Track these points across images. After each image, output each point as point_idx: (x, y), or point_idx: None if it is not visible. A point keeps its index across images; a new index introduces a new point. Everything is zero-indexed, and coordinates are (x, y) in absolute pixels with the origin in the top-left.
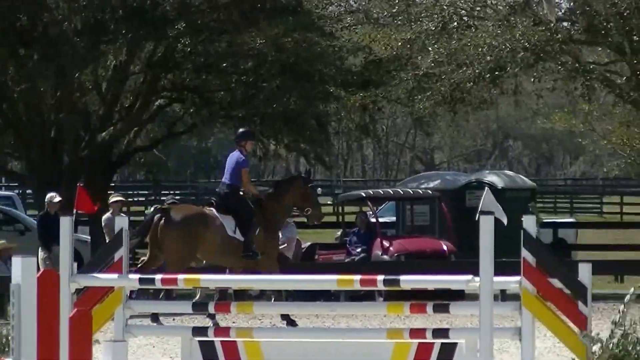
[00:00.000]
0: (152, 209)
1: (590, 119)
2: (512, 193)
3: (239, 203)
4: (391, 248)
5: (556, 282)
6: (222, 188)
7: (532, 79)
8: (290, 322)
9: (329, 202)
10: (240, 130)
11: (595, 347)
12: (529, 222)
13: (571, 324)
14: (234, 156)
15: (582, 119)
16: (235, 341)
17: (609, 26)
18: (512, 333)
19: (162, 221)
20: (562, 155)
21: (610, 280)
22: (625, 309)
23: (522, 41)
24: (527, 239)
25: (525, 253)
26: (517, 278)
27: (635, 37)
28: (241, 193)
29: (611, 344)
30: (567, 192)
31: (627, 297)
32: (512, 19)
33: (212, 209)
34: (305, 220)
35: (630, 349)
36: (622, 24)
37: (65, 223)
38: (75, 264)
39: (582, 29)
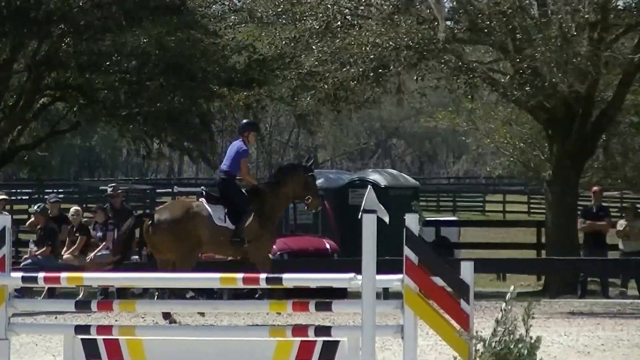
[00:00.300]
0: (35, 207)
1: (473, 117)
2: (395, 191)
3: (233, 191)
4: (274, 246)
5: (438, 281)
6: (219, 174)
7: (416, 78)
8: (170, 318)
9: None
10: (244, 121)
11: (479, 345)
12: (411, 221)
13: (453, 322)
14: (235, 145)
15: (465, 118)
16: (117, 339)
17: (492, 25)
18: (394, 331)
19: (150, 227)
20: (445, 153)
21: (493, 278)
22: (507, 307)
23: (406, 40)
24: (409, 237)
25: (407, 251)
26: (400, 276)
27: (518, 35)
28: (237, 181)
29: (493, 342)
30: (450, 190)
31: (509, 295)
32: (396, 17)
33: (202, 199)
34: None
35: (512, 346)
36: (505, 23)
37: None
38: None
39: (465, 27)
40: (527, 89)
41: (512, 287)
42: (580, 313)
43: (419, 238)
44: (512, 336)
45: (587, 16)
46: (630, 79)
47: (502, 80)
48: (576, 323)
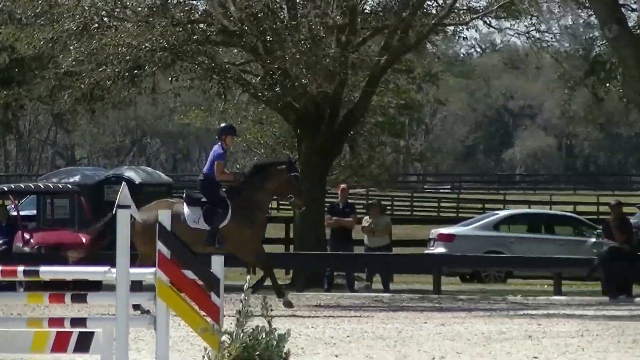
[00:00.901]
0: None
1: (225, 116)
2: (149, 188)
3: (210, 191)
4: (32, 240)
5: (190, 274)
6: (199, 177)
7: (170, 78)
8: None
9: None
10: (222, 125)
11: (225, 337)
12: (163, 217)
13: (204, 314)
14: (213, 149)
15: (217, 117)
16: None
17: (243, 27)
18: (147, 322)
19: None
20: (198, 151)
21: (243, 272)
22: (245, 298)
23: (161, 41)
24: (162, 232)
25: (160, 246)
26: (153, 270)
27: (269, 37)
28: (215, 182)
29: (241, 334)
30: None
31: (246, 285)
32: (152, 19)
33: (183, 202)
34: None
35: (260, 338)
36: (256, 26)
37: None
38: None
39: (217, 30)
40: (277, 89)
41: (248, 277)
42: (327, 306)
43: (171, 233)
44: (260, 328)
45: (335, 19)
46: (376, 80)
47: (254, 81)
48: (323, 315)
